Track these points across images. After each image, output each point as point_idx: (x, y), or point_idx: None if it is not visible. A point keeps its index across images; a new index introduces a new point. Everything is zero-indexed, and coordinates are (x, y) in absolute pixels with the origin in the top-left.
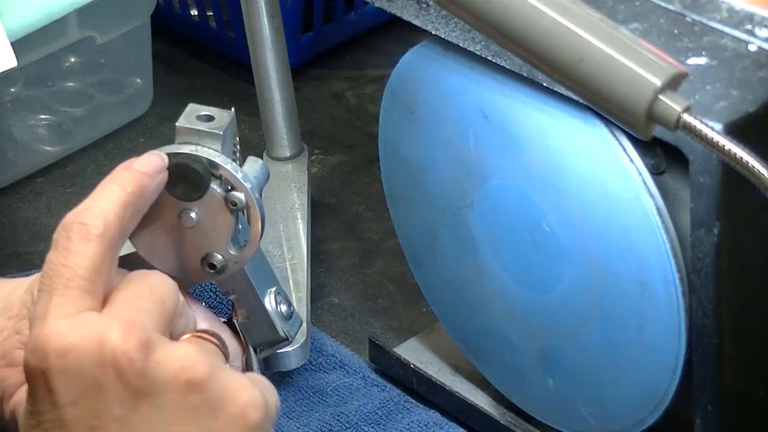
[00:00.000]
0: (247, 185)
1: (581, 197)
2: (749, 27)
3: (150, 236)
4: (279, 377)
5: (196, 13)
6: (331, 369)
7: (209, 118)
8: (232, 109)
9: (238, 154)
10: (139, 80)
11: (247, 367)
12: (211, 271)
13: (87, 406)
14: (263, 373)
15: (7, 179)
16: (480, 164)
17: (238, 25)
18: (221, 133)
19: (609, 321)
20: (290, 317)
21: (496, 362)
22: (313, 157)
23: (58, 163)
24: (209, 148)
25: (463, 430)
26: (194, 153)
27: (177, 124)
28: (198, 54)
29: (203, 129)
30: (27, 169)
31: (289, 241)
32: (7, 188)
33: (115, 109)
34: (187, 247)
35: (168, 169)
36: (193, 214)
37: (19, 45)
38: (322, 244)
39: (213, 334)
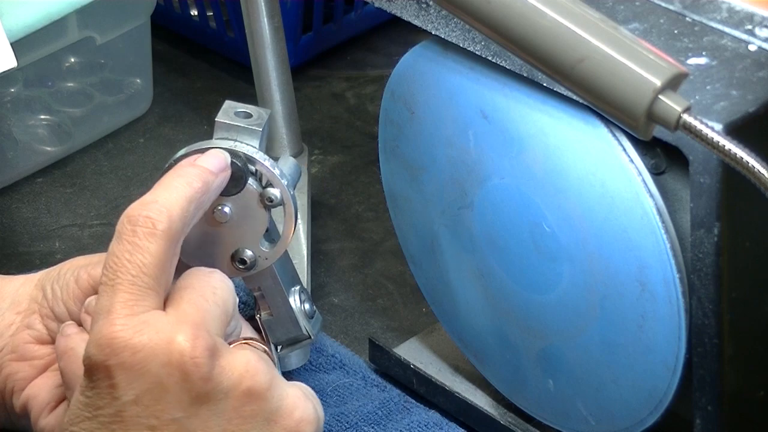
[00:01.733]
0: (284, 182)
1: (581, 197)
2: (749, 27)
3: None
4: None
5: (196, 13)
6: (331, 369)
7: (247, 115)
8: (269, 109)
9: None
10: (139, 80)
11: None
12: (242, 266)
13: (148, 405)
14: (281, 371)
15: (7, 179)
16: (480, 164)
17: (238, 25)
18: (260, 130)
19: (609, 321)
20: (312, 316)
21: (496, 362)
22: (313, 157)
23: (58, 163)
24: (247, 144)
25: (463, 430)
26: (233, 148)
27: (216, 119)
28: (198, 54)
29: (242, 125)
30: (27, 169)
31: None
32: (7, 188)
33: (115, 109)
34: (218, 243)
35: None
36: (227, 209)
37: (19, 45)
38: (322, 244)
39: (260, 341)
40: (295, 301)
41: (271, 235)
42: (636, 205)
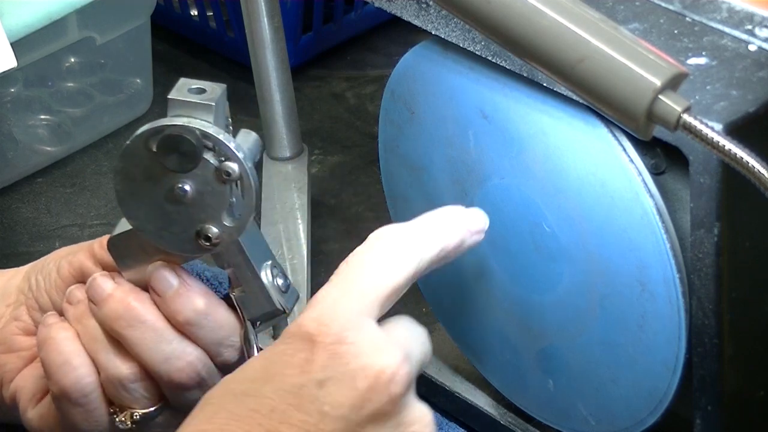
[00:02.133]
0: (240, 155)
1: (581, 197)
2: (749, 27)
3: (145, 212)
4: None
5: (196, 13)
6: None
7: (201, 91)
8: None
9: (230, 128)
10: (139, 80)
11: (245, 341)
12: (207, 243)
13: (329, 393)
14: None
15: (7, 179)
16: (480, 164)
17: (238, 25)
18: (213, 104)
19: (609, 321)
20: (287, 290)
21: (496, 362)
22: (313, 157)
23: (58, 163)
24: (202, 119)
25: (463, 430)
26: (187, 125)
27: (169, 96)
28: (198, 54)
29: (195, 101)
30: (27, 169)
31: (289, 241)
32: (7, 188)
33: (115, 109)
34: (182, 221)
35: (160, 140)
36: (187, 187)
37: (19, 45)
38: (322, 244)
39: None
40: (267, 276)
41: (235, 210)
42: (636, 205)
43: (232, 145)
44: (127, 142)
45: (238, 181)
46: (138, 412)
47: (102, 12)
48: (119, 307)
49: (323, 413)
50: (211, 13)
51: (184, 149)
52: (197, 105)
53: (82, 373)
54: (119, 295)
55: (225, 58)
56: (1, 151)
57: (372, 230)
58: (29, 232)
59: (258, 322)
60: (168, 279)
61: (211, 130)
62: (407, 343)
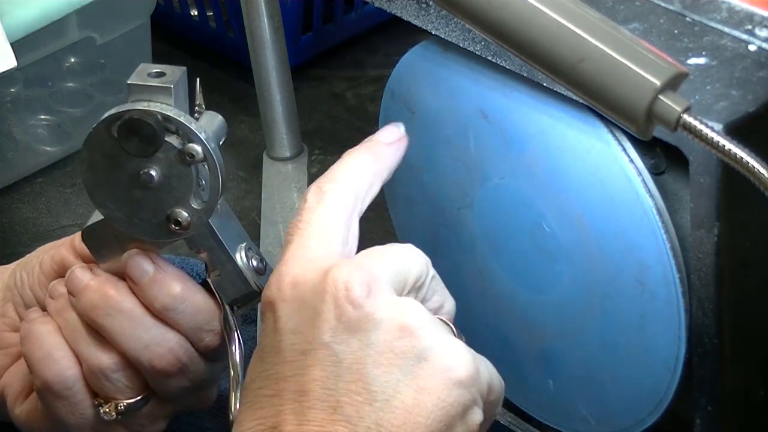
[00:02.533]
0: (202, 136)
1: (581, 197)
2: (749, 27)
3: (113, 200)
4: None
5: (196, 13)
6: None
7: (160, 75)
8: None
9: (201, 110)
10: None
11: (225, 324)
12: (177, 228)
13: (302, 332)
14: (241, 329)
15: (7, 179)
16: (480, 164)
17: (238, 25)
18: (172, 86)
19: (609, 321)
20: (263, 272)
21: (497, 362)
22: (313, 157)
23: (58, 163)
24: (162, 103)
25: None
26: (146, 108)
27: (128, 81)
28: (198, 54)
29: (154, 84)
30: (27, 169)
31: None
32: (7, 188)
33: None
34: (150, 207)
35: (120, 125)
36: (152, 172)
37: (19, 45)
38: None
39: (454, 325)
40: (241, 257)
41: (203, 192)
42: (636, 205)
43: (193, 126)
44: (90, 130)
45: (204, 163)
46: (122, 403)
47: (102, 12)
48: (96, 297)
49: (304, 351)
50: (211, 13)
51: (145, 133)
52: (156, 89)
53: (64, 365)
54: (95, 284)
55: (225, 58)
56: (1, 151)
57: (372, 230)
58: (29, 232)
59: (237, 306)
60: (143, 266)
61: (171, 112)
62: (366, 260)
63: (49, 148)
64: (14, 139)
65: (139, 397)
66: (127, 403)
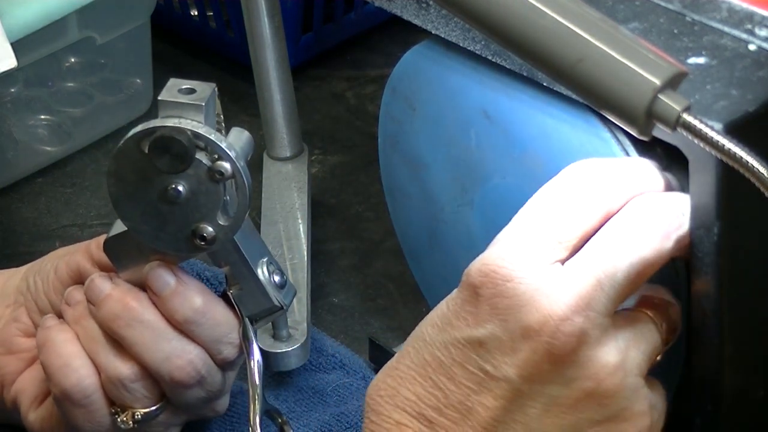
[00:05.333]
0: (232, 154)
1: None
2: (749, 27)
3: (140, 214)
4: (279, 377)
5: (196, 13)
6: (331, 369)
7: (191, 91)
8: (214, 84)
9: (222, 126)
10: (139, 80)
11: (244, 338)
12: (202, 243)
13: (490, 351)
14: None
15: (7, 179)
16: (481, 163)
17: (238, 25)
18: (203, 104)
19: None
20: (284, 286)
21: None
22: (313, 157)
23: (58, 163)
24: (192, 120)
25: None
26: (178, 125)
27: (159, 98)
28: (198, 54)
29: (185, 101)
30: (27, 169)
31: (289, 241)
32: (7, 188)
33: (115, 109)
34: (177, 221)
35: (152, 142)
36: (180, 188)
37: (19, 45)
38: (322, 244)
39: (658, 306)
40: (263, 272)
41: (229, 209)
42: None
43: (223, 145)
44: (119, 144)
45: (232, 180)
46: (140, 412)
47: (102, 12)
48: (117, 307)
49: (486, 373)
50: (211, 13)
51: (175, 150)
52: (187, 105)
53: (83, 374)
54: (117, 295)
55: (225, 58)
56: (1, 151)
57: (372, 230)
58: (29, 232)
59: (256, 319)
60: (165, 278)
61: (202, 130)
62: (593, 295)
63: (49, 148)
64: (14, 139)
65: (155, 407)
66: (144, 412)
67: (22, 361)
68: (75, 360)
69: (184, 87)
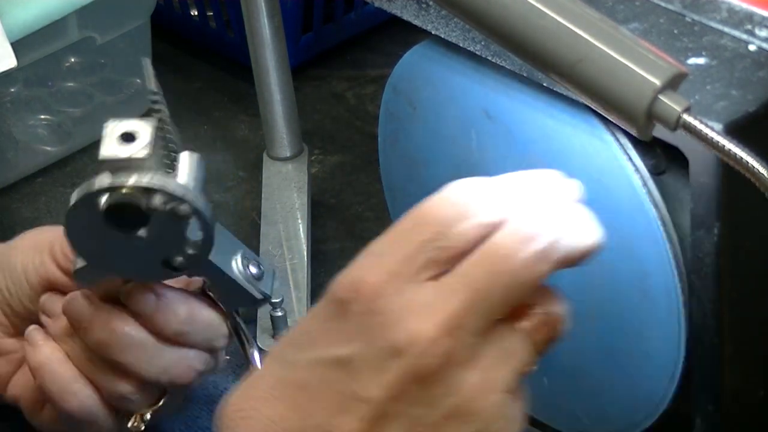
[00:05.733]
0: (188, 196)
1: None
2: (749, 27)
3: (106, 257)
4: None
5: (196, 13)
6: None
7: (130, 138)
8: (161, 110)
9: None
10: (139, 80)
11: (235, 332)
12: (175, 272)
13: (356, 371)
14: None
15: (7, 179)
16: (482, 163)
17: (238, 25)
18: (146, 155)
19: (607, 326)
20: (261, 277)
21: None
22: (313, 157)
23: (58, 163)
24: (140, 173)
25: None
26: (127, 191)
27: (100, 157)
28: (198, 54)
29: (128, 156)
30: (27, 169)
31: (289, 241)
32: (7, 188)
33: (115, 109)
34: (143, 259)
35: (106, 211)
36: (142, 234)
37: (19, 45)
38: (322, 244)
39: (533, 317)
40: (238, 268)
41: (196, 236)
42: (639, 214)
43: (177, 191)
44: (69, 206)
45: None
46: (147, 413)
47: (102, 12)
48: (104, 334)
49: (350, 394)
50: (211, 13)
51: (130, 213)
52: (132, 162)
53: (83, 396)
54: (100, 322)
55: (225, 58)
56: (1, 151)
57: (372, 230)
58: None
59: (241, 311)
60: (144, 299)
61: (155, 184)
62: (464, 305)
63: (49, 148)
64: (14, 139)
65: (161, 403)
66: (152, 411)
67: (10, 362)
68: (73, 384)
69: (122, 131)
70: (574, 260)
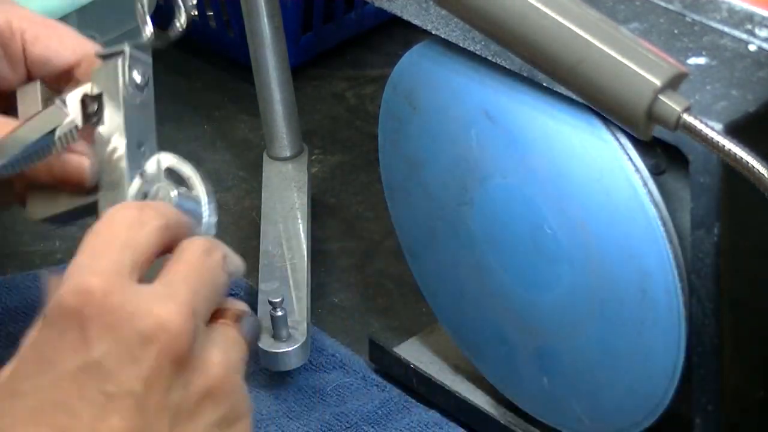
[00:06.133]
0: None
1: (583, 199)
2: (749, 27)
3: None
4: (279, 377)
5: (196, 13)
6: (331, 369)
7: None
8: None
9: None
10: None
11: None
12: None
13: (111, 370)
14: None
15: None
16: (481, 163)
17: (238, 25)
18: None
19: (608, 325)
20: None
21: (491, 357)
22: (313, 157)
23: None
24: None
25: (463, 430)
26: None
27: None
28: (198, 54)
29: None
30: None
31: (289, 241)
32: None
33: None
34: None
35: None
36: None
37: None
38: (322, 244)
39: (238, 317)
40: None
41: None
42: (639, 212)
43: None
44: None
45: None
46: None
47: (102, 12)
48: None
49: (108, 394)
50: (211, 13)
51: None
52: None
53: None
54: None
55: (225, 58)
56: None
57: (372, 230)
58: (29, 232)
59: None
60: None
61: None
62: (188, 294)
63: None
64: None
65: None
66: None
67: None
68: None
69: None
70: (235, 274)
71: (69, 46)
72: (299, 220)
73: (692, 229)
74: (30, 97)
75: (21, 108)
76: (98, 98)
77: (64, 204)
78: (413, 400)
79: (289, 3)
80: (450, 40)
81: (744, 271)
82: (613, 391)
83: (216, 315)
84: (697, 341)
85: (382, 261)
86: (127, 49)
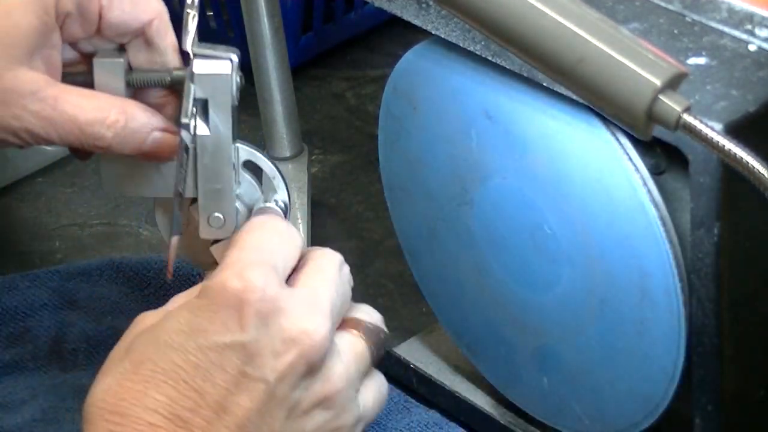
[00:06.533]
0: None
1: (583, 200)
2: (749, 27)
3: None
4: None
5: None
6: None
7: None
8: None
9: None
10: None
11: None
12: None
13: (254, 356)
14: None
15: (7, 179)
16: (481, 163)
17: (238, 25)
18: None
19: (608, 325)
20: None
21: (491, 356)
22: (313, 157)
23: (58, 163)
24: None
25: (463, 430)
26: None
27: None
28: None
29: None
30: (27, 169)
31: None
32: (7, 188)
33: None
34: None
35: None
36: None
37: None
38: (322, 244)
39: (371, 331)
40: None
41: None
42: (639, 213)
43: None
44: None
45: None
46: None
47: None
48: None
49: (246, 375)
50: (211, 13)
51: None
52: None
53: None
54: None
55: None
56: (1, 151)
57: (372, 230)
58: (29, 232)
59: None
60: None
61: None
62: (331, 306)
63: (49, 148)
64: None
65: None
66: None
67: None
68: None
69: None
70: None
71: (142, 7)
72: (299, 220)
73: (692, 229)
74: (111, 74)
75: (98, 79)
76: (203, 103)
77: (151, 189)
78: (413, 401)
79: (289, 3)
80: (450, 40)
81: (744, 271)
82: (613, 391)
83: (349, 324)
84: (697, 341)
85: (382, 261)
86: (235, 57)
